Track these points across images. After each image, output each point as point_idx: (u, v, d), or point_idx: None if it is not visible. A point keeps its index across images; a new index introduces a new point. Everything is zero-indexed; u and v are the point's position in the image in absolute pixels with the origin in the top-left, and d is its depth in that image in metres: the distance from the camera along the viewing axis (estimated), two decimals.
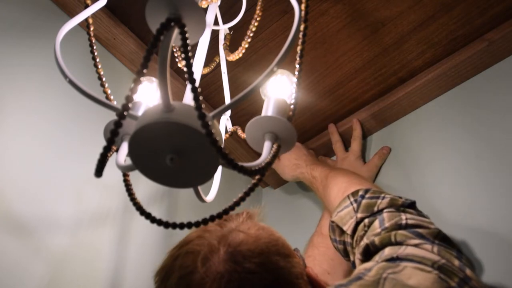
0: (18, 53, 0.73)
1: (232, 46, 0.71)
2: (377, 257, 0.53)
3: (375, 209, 0.62)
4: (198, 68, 0.51)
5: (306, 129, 1.07)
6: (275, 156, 0.45)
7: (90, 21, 0.55)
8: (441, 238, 0.54)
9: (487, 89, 0.85)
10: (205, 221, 0.40)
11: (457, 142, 0.84)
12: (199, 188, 0.48)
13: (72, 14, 0.83)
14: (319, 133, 1.07)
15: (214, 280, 0.46)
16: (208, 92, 1.00)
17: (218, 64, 0.73)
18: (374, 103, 0.98)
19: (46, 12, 0.81)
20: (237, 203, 0.41)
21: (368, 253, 0.56)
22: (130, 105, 0.35)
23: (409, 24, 0.85)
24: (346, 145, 1.02)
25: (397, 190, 0.88)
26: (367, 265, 0.51)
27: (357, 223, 0.63)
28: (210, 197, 0.55)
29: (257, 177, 0.45)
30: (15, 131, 0.68)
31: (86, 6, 0.54)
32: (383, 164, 0.94)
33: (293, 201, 1.10)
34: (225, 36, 0.73)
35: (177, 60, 0.67)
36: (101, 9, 0.68)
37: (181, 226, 0.39)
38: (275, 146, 0.46)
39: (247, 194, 0.41)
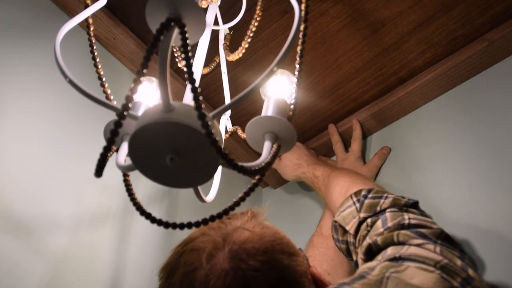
0: (18, 53, 0.73)
1: (232, 46, 0.71)
2: (379, 257, 0.53)
3: (378, 208, 0.62)
4: (198, 68, 0.51)
5: (306, 129, 1.07)
6: (275, 156, 0.45)
7: (90, 21, 0.55)
8: (443, 238, 0.54)
9: (487, 89, 0.85)
10: (205, 221, 0.40)
11: (457, 142, 0.84)
12: (199, 188, 0.48)
13: (72, 14, 0.83)
14: (319, 133, 1.07)
15: (219, 277, 0.46)
16: (208, 92, 1.00)
17: (218, 64, 0.72)
18: (374, 103, 0.98)
19: (46, 12, 0.81)
20: (237, 203, 0.41)
21: (371, 252, 0.57)
22: (130, 105, 0.35)
23: (409, 24, 0.85)
24: (346, 145, 1.02)
25: (397, 190, 0.87)
26: (370, 264, 0.51)
27: (360, 223, 0.63)
28: (210, 197, 0.55)
29: (257, 177, 0.45)
30: (15, 131, 0.68)
31: (86, 6, 0.54)
32: (383, 164, 0.94)
33: (293, 201, 1.10)
34: (225, 36, 0.73)
35: (177, 60, 0.67)
36: (101, 9, 0.68)
37: (181, 226, 0.39)
38: (275, 146, 0.46)
39: (247, 194, 0.41)
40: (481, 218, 0.75)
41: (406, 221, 0.57)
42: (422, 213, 0.61)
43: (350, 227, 0.65)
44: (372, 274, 0.48)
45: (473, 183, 0.79)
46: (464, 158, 0.82)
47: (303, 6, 0.46)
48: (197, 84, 0.38)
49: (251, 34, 0.64)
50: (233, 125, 0.66)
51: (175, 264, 0.51)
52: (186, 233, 0.50)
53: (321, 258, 0.83)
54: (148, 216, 0.42)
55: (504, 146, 0.77)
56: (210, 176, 0.41)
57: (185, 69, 0.35)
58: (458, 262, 0.50)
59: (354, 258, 0.65)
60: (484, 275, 0.69)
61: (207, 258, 0.48)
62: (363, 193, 0.67)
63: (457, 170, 0.82)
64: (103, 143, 0.38)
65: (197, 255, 0.49)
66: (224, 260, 0.47)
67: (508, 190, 0.74)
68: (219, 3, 0.63)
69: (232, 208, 0.40)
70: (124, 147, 0.49)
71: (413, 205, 0.62)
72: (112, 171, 0.51)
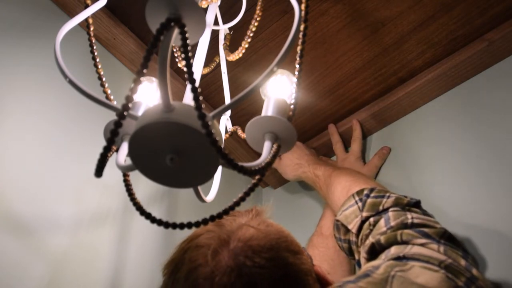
0: (18, 53, 0.73)
1: (232, 46, 0.71)
2: (383, 256, 0.53)
3: (380, 208, 0.62)
4: (198, 68, 0.51)
5: (306, 129, 1.07)
6: (275, 156, 0.45)
7: (90, 21, 0.55)
8: (447, 238, 0.54)
9: (487, 89, 0.85)
10: (205, 221, 0.40)
11: (457, 142, 0.84)
12: (199, 188, 0.48)
13: (72, 14, 0.83)
14: (319, 133, 1.07)
15: (224, 274, 0.46)
16: (208, 92, 1.00)
17: (218, 64, 0.72)
18: (374, 103, 0.98)
19: (46, 12, 0.81)
20: (237, 203, 0.41)
21: (374, 251, 0.57)
22: (130, 105, 0.35)
23: (409, 24, 0.85)
24: (346, 145, 1.02)
25: (398, 190, 0.87)
26: (375, 263, 0.51)
27: (362, 222, 0.63)
28: (210, 197, 0.55)
29: (257, 177, 0.45)
30: (15, 131, 0.68)
31: (86, 6, 0.54)
32: (383, 164, 0.94)
33: (293, 201, 1.10)
34: (225, 36, 0.73)
35: (177, 60, 0.67)
36: (101, 9, 0.68)
37: (181, 226, 0.39)
38: (275, 146, 0.46)
39: (247, 194, 0.41)
40: (481, 218, 0.75)
41: (409, 221, 0.57)
42: (425, 213, 0.61)
43: (353, 226, 0.65)
44: (377, 273, 0.48)
45: (473, 183, 0.79)
46: (464, 158, 0.82)
47: (303, 6, 0.46)
48: (197, 84, 0.38)
49: (251, 34, 0.64)
50: (233, 125, 0.66)
51: (179, 260, 0.50)
52: (186, 233, 0.50)
53: (321, 257, 0.83)
54: (148, 216, 0.42)
55: (504, 146, 0.77)
56: (210, 176, 0.41)
57: (185, 69, 0.35)
58: (462, 262, 0.50)
59: (357, 257, 0.65)
60: (485, 274, 0.69)
61: (212, 254, 0.48)
62: (365, 192, 0.67)
63: (457, 170, 0.82)
64: (103, 143, 0.38)
65: (202, 252, 0.49)
66: (229, 257, 0.47)
67: (508, 190, 0.74)
68: (219, 3, 0.63)
69: (232, 208, 0.40)
70: (124, 147, 0.49)
71: (416, 205, 0.63)
72: (112, 171, 0.51)
